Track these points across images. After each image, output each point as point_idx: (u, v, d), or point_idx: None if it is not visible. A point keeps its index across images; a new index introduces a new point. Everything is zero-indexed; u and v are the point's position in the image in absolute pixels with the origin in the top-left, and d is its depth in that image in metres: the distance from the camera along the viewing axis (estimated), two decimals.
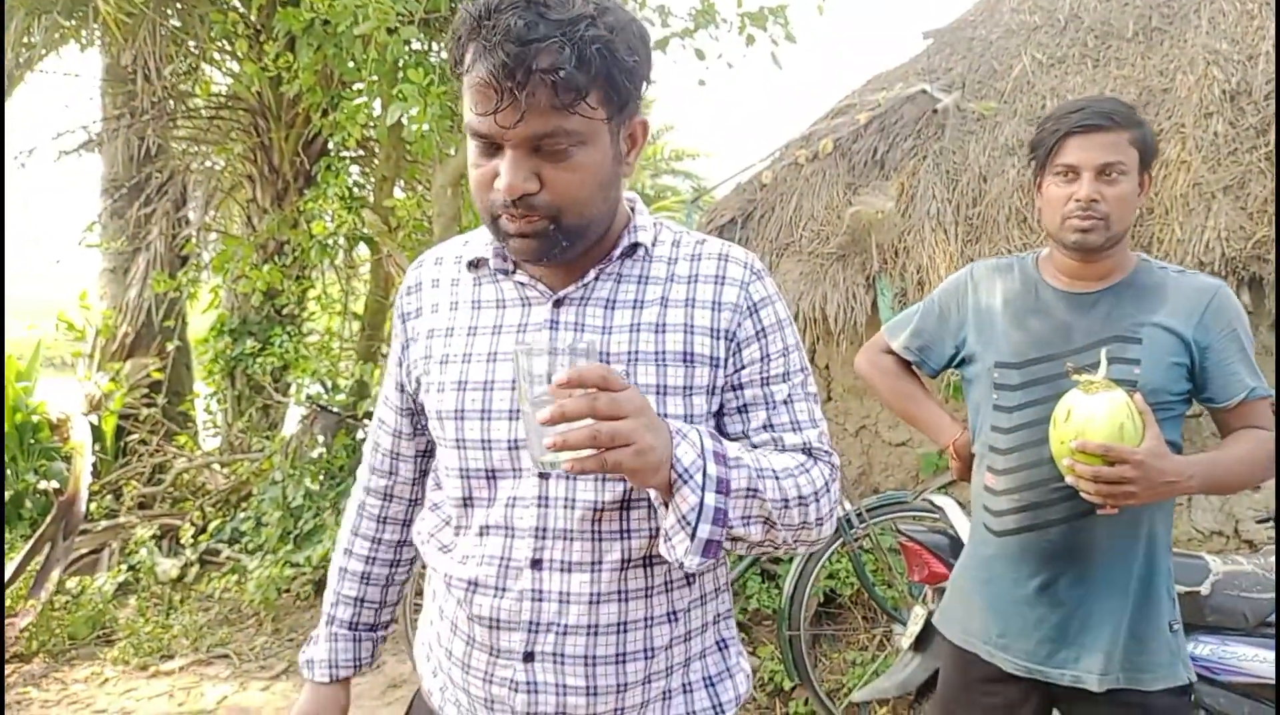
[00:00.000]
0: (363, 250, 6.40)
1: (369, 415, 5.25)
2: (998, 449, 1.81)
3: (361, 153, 6.44)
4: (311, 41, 4.58)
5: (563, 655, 1.14)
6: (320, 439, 5.24)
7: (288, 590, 4.64)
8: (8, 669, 4.00)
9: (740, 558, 3.77)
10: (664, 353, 1.15)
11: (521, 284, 1.20)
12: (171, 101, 6.42)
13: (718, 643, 1.26)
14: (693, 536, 1.02)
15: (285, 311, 6.06)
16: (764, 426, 1.19)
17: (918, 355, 1.98)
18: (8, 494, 5.35)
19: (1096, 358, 1.65)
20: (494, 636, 1.16)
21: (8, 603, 4.29)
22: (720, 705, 1.23)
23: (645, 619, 1.16)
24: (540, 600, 1.14)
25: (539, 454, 0.97)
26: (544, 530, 1.14)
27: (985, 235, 3.94)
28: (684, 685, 1.22)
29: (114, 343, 6.48)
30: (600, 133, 1.08)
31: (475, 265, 1.24)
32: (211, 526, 5.19)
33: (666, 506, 1.05)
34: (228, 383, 6.06)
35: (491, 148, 1.08)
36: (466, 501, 1.20)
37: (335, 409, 5.29)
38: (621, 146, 1.14)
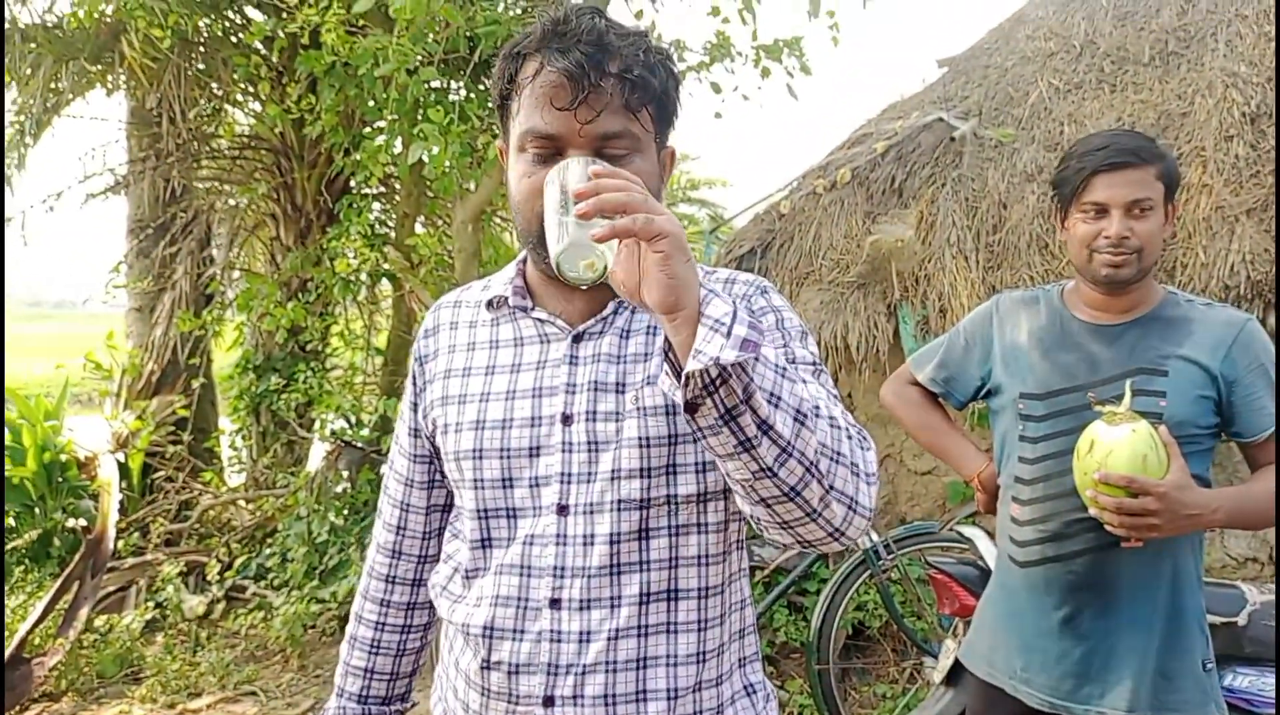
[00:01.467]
0: (385, 286, 6.45)
1: None
2: (1022, 480, 1.81)
3: (383, 190, 6.51)
4: (333, 83, 4.66)
5: (582, 696, 1.10)
6: (345, 474, 5.26)
7: (314, 626, 4.64)
8: (36, 709, 4.01)
9: (767, 589, 3.75)
10: None
11: (540, 321, 1.20)
12: (196, 143, 6.53)
13: (746, 688, 1.22)
14: (729, 335, 0.88)
15: (309, 347, 6.11)
16: None
17: (943, 387, 1.99)
18: (36, 533, 5.39)
19: (1121, 390, 1.65)
20: (513, 683, 1.13)
21: (37, 641, 4.31)
22: None
23: (668, 656, 1.13)
24: (559, 641, 1.11)
25: (563, 247, 0.92)
26: (562, 568, 1.12)
27: (1006, 262, 3.93)
28: None
29: (140, 381, 6.55)
30: (651, 147, 1.13)
31: (494, 305, 1.24)
32: (237, 563, 5.21)
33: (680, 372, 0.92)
34: (252, 419, 6.11)
35: (549, 155, 1.08)
36: (485, 543, 1.18)
37: (359, 444, 5.31)
38: (660, 170, 1.16)
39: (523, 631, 1.13)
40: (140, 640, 4.55)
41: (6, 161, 7.55)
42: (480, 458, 1.16)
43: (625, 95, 1.07)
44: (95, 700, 4.11)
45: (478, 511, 1.18)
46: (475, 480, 1.17)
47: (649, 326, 1.17)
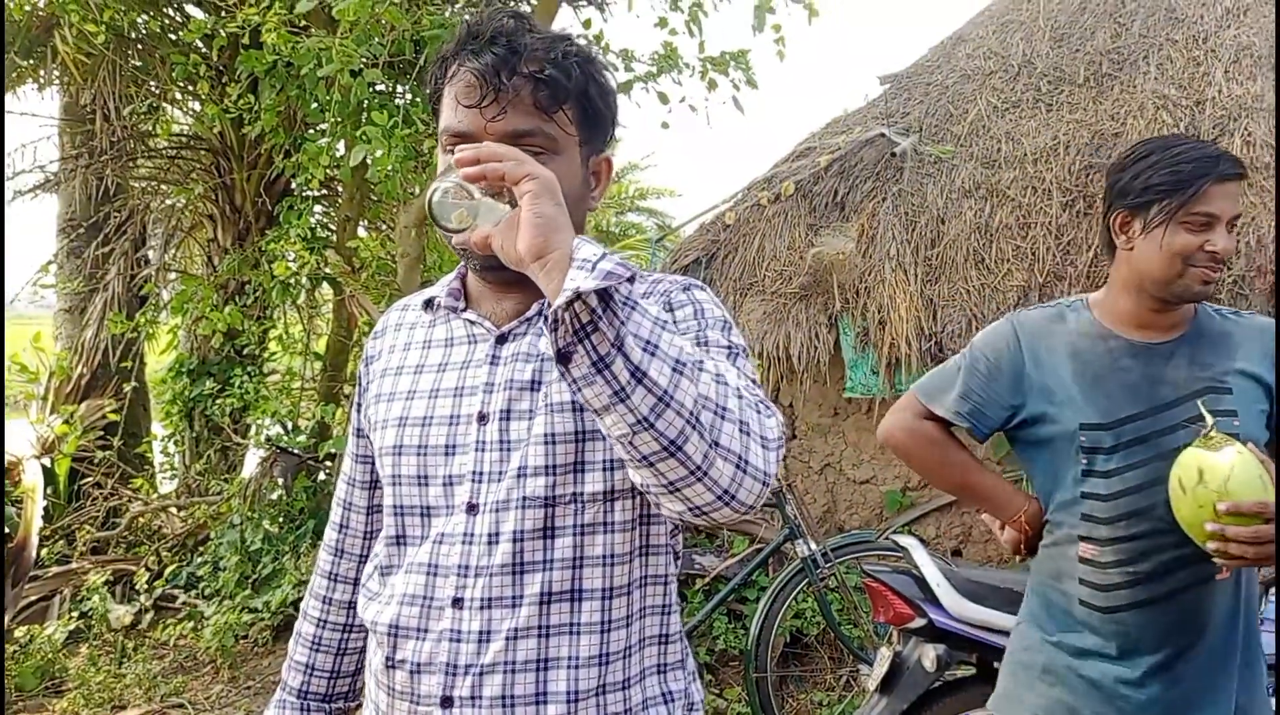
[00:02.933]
0: (325, 290, 6.36)
1: (330, 456, 5.18)
2: (1097, 518, 1.63)
3: (324, 193, 6.42)
4: (274, 83, 4.58)
5: (480, 698, 1.09)
6: (280, 481, 5.16)
7: (245, 636, 4.53)
8: None
9: (707, 596, 3.76)
10: None
11: (470, 322, 1.21)
12: (131, 141, 6.37)
13: (663, 695, 1.19)
14: (593, 269, 0.89)
15: (246, 352, 5.98)
16: None
17: (969, 419, 1.74)
18: None
19: (1192, 412, 1.57)
20: (414, 682, 1.12)
21: None
22: None
23: (570, 658, 1.10)
24: (459, 641, 1.11)
25: (440, 205, 0.97)
26: (467, 567, 1.11)
27: (944, 275, 4.00)
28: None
29: (69, 384, 6.35)
30: (572, 149, 1.13)
31: (430, 306, 1.26)
32: (167, 572, 5.07)
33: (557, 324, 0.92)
34: (186, 424, 5.97)
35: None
36: (399, 540, 1.19)
37: (295, 450, 5.22)
38: (589, 177, 1.18)
39: (426, 630, 1.12)
40: (63, 652, 4.40)
41: None
42: (399, 454, 1.17)
43: (535, 94, 1.08)
44: (15, 714, 3.96)
45: (394, 508, 1.19)
46: (394, 476, 1.18)
47: None
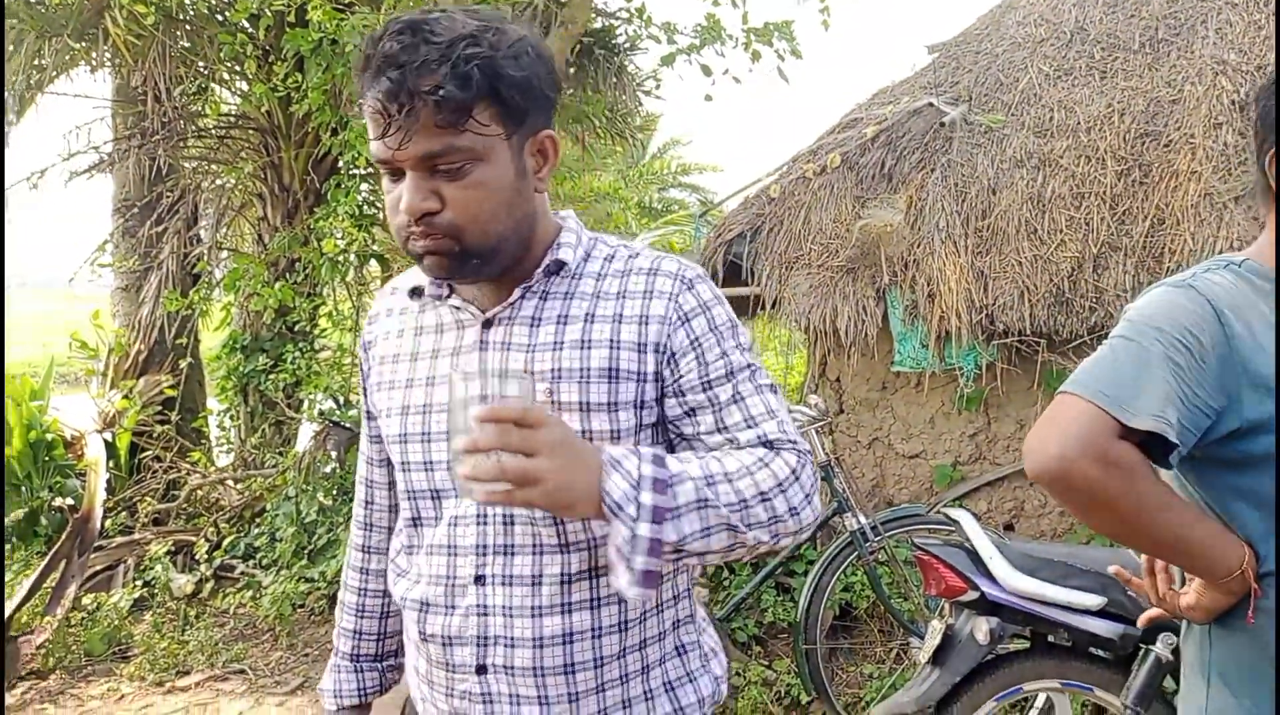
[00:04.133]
0: (374, 267, 6.43)
1: None
2: None
3: (371, 171, 6.47)
4: (320, 61, 4.62)
5: (513, 667, 1.16)
6: (333, 454, 5.26)
7: (302, 605, 4.65)
8: (23, 686, 4.01)
9: (755, 569, 3.78)
10: (588, 369, 1.16)
11: (456, 308, 1.23)
12: (181, 122, 6.47)
13: (677, 648, 1.26)
14: (629, 567, 1.02)
15: (297, 328, 6.08)
16: (716, 429, 1.17)
17: (1180, 432, 1.21)
18: (22, 512, 5.38)
19: None
20: (448, 653, 1.19)
21: (24, 619, 4.31)
22: (681, 709, 1.24)
23: (593, 629, 1.17)
24: (486, 615, 1.17)
25: (458, 480, 1.00)
26: (484, 547, 1.17)
27: (995, 247, 3.95)
28: (645, 692, 1.22)
29: (127, 360, 6.52)
30: (498, 149, 1.11)
31: (416, 293, 1.27)
32: (226, 542, 5.20)
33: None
34: (240, 399, 6.09)
35: (396, 172, 1.12)
36: (416, 522, 1.25)
37: (347, 424, 5.31)
38: (527, 162, 1.16)
39: (453, 607, 1.18)
40: (128, 619, 4.55)
41: None
42: (405, 442, 1.22)
43: (435, 115, 1.06)
44: (83, 678, 4.11)
45: (407, 492, 1.25)
46: (402, 463, 1.24)
47: (560, 316, 1.19)
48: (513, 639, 1.16)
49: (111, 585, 4.89)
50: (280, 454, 5.57)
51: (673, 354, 1.18)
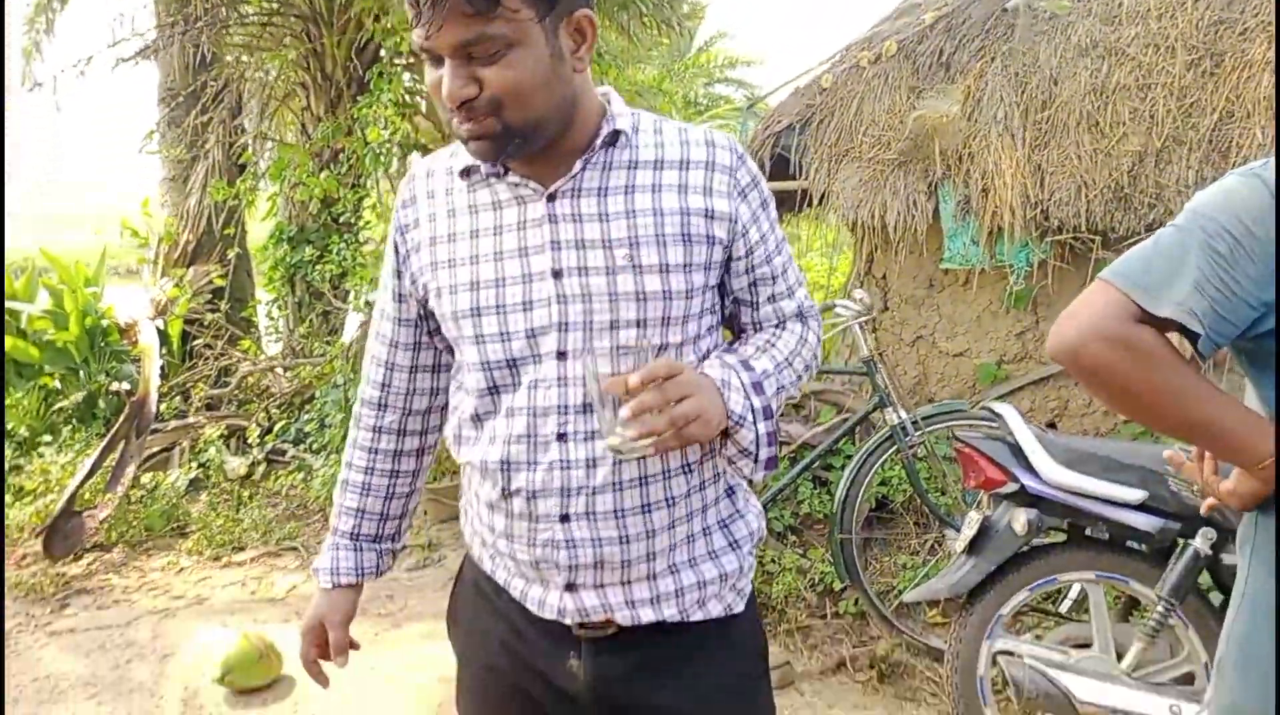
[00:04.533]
0: (416, 158, 6.40)
1: None
2: None
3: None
4: None
5: (595, 512, 1.25)
6: None
7: None
8: (89, 558, 4.21)
9: (792, 462, 3.81)
10: (664, 234, 1.24)
11: (514, 184, 1.26)
12: (224, 9, 6.40)
13: (728, 490, 1.38)
14: (756, 460, 1.24)
15: (342, 219, 6.11)
16: (769, 298, 1.35)
17: (1204, 323, 1.21)
18: (81, 395, 5.55)
19: None
20: (531, 506, 1.26)
21: (87, 496, 4.49)
22: (736, 541, 1.37)
23: (664, 471, 1.27)
24: (569, 468, 1.25)
25: (619, 442, 1.12)
26: (566, 407, 1.24)
27: (1054, 140, 3.82)
28: (704, 529, 1.34)
29: (176, 250, 6.62)
30: (531, 33, 1.14)
31: (467, 173, 1.30)
32: (277, 427, 5.35)
33: (724, 439, 1.24)
34: (288, 289, 6.18)
35: (437, 59, 1.17)
36: (492, 389, 1.29)
37: None
38: (563, 43, 1.18)
39: (535, 462, 1.26)
40: (185, 498, 4.73)
41: (33, 28, 7.47)
42: (478, 315, 1.26)
43: (464, 4, 1.09)
44: (144, 551, 4.30)
45: (482, 364, 1.28)
46: (475, 336, 1.27)
47: (626, 185, 1.25)
48: (594, 487, 1.24)
49: (168, 466, 5.07)
50: (328, 343, 5.66)
51: (743, 226, 1.29)
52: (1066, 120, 3.82)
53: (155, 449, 5.15)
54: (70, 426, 5.38)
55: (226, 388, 5.82)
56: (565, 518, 1.25)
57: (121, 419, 4.87)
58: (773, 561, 3.55)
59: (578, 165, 1.23)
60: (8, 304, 5.87)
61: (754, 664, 1.41)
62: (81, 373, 5.76)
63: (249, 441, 5.15)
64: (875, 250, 4.31)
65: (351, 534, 1.48)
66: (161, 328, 6.03)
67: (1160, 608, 2.39)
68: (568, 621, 1.29)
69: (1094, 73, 3.86)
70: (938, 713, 2.96)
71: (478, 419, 1.32)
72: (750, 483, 1.52)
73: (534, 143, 1.19)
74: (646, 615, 1.29)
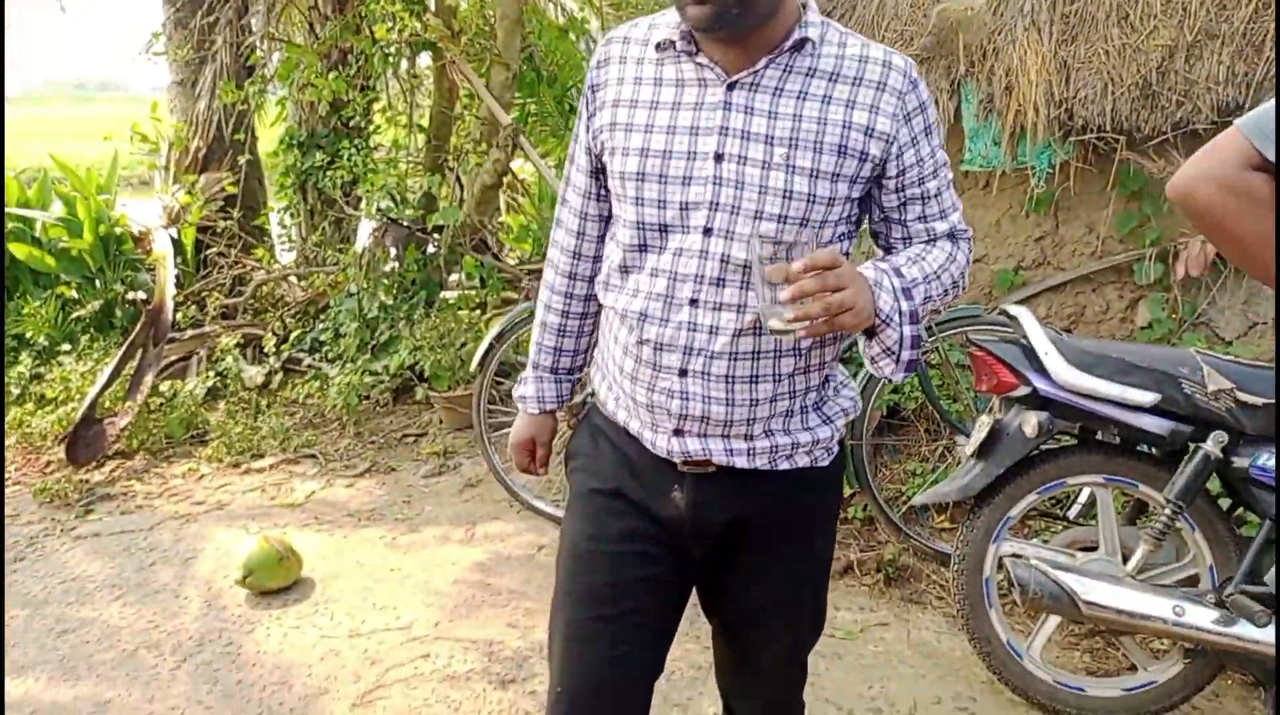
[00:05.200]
0: (426, 60, 6.25)
1: (438, 229, 5.28)
2: None
3: None
4: None
5: (709, 373, 1.41)
6: (392, 252, 5.31)
7: (368, 397, 4.83)
8: (111, 465, 4.29)
9: None
10: (822, 142, 1.35)
11: (701, 65, 1.39)
12: None
13: (827, 377, 1.53)
14: (898, 361, 1.36)
15: (352, 124, 6.01)
16: (919, 218, 1.45)
17: None
18: (98, 303, 5.57)
19: None
20: (657, 356, 1.43)
21: (107, 404, 4.55)
22: (829, 417, 1.52)
23: (775, 351, 1.41)
24: (694, 330, 1.40)
25: (775, 322, 1.24)
26: (702, 277, 1.38)
27: (1082, 35, 3.66)
28: (801, 407, 1.49)
29: (187, 157, 6.54)
30: None
31: (662, 47, 1.42)
32: (292, 336, 5.37)
33: (869, 337, 1.36)
34: (299, 197, 6.12)
35: None
36: (641, 247, 1.44)
37: (405, 222, 5.33)
38: None
39: (667, 320, 1.42)
40: (204, 406, 4.79)
41: None
42: (642, 180, 1.41)
43: None
44: (165, 458, 4.38)
45: (636, 223, 1.43)
46: (636, 198, 1.42)
47: (800, 91, 1.37)
48: (713, 352, 1.40)
49: (186, 374, 5.12)
50: (340, 251, 5.63)
51: (900, 149, 1.39)
52: (1095, 13, 3.66)
53: (173, 358, 5.20)
54: (88, 335, 5.43)
55: (241, 297, 5.83)
56: (683, 372, 1.42)
57: (138, 328, 4.90)
58: None
59: (762, 62, 1.35)
60: (22, 212, 5.86)
61: (830, 510, 1.63)
62: (98, 281, 5.77)
63: (265, 350, 5.18)
64: None
65: (552, 367, 1.72)
66: (175, 236, 6.02)
67: (1168, 510, 2.39)
68: (675, 460, 1.47)
69: None
70: (943, 615, 3.00)
71: (625, 270, 1.48)
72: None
73: (746, 20, 1.31)
74: (740, 462, 1.46)
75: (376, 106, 6.18)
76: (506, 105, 5.15)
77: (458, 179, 5.63)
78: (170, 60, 6.48)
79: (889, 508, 3.30)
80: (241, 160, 6.47)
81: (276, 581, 3.20)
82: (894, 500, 3.40)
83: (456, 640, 2.91)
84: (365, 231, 5.87)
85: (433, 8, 5.41)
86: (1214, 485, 2.47)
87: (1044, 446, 2.59)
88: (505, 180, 5.46)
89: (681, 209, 1.38)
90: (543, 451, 1.78)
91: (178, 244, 6.02)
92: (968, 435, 3.08)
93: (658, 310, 1.42)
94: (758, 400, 1.43)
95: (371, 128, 6.27)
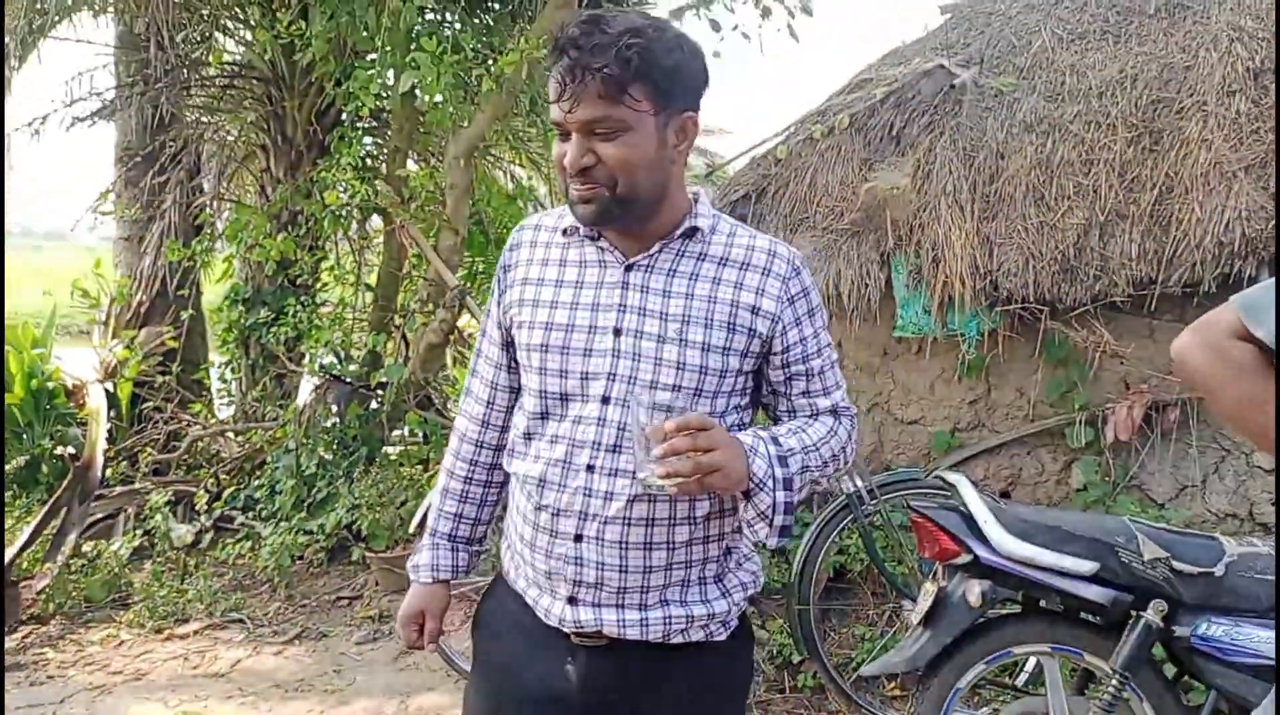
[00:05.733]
0: (376, 222, 6.39)
1: (381, 386, 5.27)
2: None
3: (375, 123, 6.42)
4: (325, 9, 4.57)
5: (603, 539, 1.46)
6: (334, 408, 5.27)
7: (301, 557, 4.68)
8: (24, 631, 4.05)
9: None
10: (712, 318, 1.47)
11: (603, 248, 1.52)
12: (185, 70, 6.41)
13: (729, 548, 1.57)
14: (770, 525, 1.41)
15: (299, 282, 6.06)
16: (803, 393, 1.55)
17: None
18: (24, 459, 5.40)
19: None
20: (554, 521, 1.48)
21: (25, 565, 4.34)
22: (727, 590, 1.55)
23: (669, 519, 1.47)
24: (590, 495, 1.46)
25: (646, 477, 1.33)
26: (599, 443, 1.46)
27: (1002, 213, 3.91)
28: (699, 577, 1.53)
29: (129, 311, 6.50)
30: (645, 123, 1.40)
31: (569, 232, 1.55)
32: (226, 494, 5.23)
33: (745, 502, 1.41)
34: (242, 352, 6.08)
35: (564, 135, 1.43)
36: (543, 416, 1.52)
37: (348, 379, 5.31)
38: (669, 137, 1.44)
39: (564, 485, 1.48)
40: (128, 567, 4.59)
41: None
42: (546, 351, 1.50)
43: (601, 87, 1.35)
44: (83, 624, 4.16)
45: (540, 391, 1.52)
46: (540, 367, 1.51)
47: (692, 273, 1.50)
48: (607, 516, 1.46)
49: (112, 533, 4.93)
50: (281, 407, 5.58)
51: (784, 327, 1.50)
52: (1013, 193, 3.92)
53: (99, 516, 5.01)
54: (11, 492, 5.22)
55: (175, 452, 5.69)
56: (579, 537, 1.47)
57: (64, 484, 4.74)
58: None
59: (656, 246, 1.50)
60: None
61: (731, 687, 1.61)
62: (25, 436, 5.60)
63: (196, 508, 5.03)
64: (830, 318, 4.36)
65: (450, 534, 1.73)
66: (110, 390, 5.91)
67: (1114, 681, 2.39)
68: (566, 630, 1.50)
69: (1039, 148, 3.97)
70: None
71: (528, 437, 1.55)
72: (759, 547, 1.69)
73: (631, 213, 1.44)
74: (632, 633, 1.48)
75: (325, 265, 6.26)
76: (454, 267, 5.26)
77: (403, 336, 5.67)
78: (118, 218, 6.53)
79: (839, 675, 3.24)
80: (184, 315, 6.46)
81: None
82: (844, 666, 3.35)
83: None
84: (307, 388, 5.83)
85: (385, 174, 5.58)
86: (1159, 651, 2.49)
87: (990, 614, 2.60)
88: (451, 338, 5.51)
89: (582, 378, 1.47)
90: (432, 625, 1.72)
91: (113, 398, 5.91)
92: (913, 599, 3.08)
93: (556, 476, 1.48)
94: (652, 567, 1.47)
95: (319, 285, 6.33)
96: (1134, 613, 2.44)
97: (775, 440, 1.44)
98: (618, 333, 1.46)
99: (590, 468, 1.46)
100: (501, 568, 1.65)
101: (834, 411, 1.56)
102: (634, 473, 1.41)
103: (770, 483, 1.39)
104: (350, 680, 3.64)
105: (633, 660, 1.50)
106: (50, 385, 5.86)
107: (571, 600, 1.49)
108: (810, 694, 3.37)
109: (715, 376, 1.46)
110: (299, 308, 5.69)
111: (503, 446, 1.66)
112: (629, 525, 1.45)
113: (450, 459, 1.72)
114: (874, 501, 3.36)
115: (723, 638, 1.55)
